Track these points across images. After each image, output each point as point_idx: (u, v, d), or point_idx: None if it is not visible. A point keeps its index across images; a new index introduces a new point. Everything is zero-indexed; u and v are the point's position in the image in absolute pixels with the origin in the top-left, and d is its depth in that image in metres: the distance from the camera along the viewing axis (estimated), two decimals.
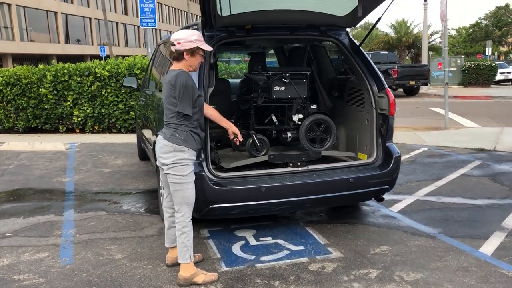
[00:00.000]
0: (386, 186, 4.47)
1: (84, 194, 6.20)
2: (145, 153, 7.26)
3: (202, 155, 4.03)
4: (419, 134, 10.43)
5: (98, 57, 34.24)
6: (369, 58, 4.61)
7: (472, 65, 26.79)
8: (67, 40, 44.25)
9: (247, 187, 4.02)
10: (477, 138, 9.72)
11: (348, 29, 4.69)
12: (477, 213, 5.12)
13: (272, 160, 4.37)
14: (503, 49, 71.79)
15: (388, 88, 4.52)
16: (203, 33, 3.94)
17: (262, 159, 4.42)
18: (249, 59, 6.08)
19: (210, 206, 3.99)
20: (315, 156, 4.51)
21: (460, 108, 15.53)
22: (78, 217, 5.21)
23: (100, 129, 11.63)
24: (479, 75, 26.80)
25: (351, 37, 4.70)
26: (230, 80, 7.07)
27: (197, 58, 3.49)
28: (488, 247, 4.17)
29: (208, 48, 3.52)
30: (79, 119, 11.40)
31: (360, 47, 4.62)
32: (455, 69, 26.58)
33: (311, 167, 4.34)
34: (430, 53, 38.48)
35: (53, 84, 11.37)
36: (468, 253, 4.05)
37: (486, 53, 38.30)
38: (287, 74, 4.49)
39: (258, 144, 4.43)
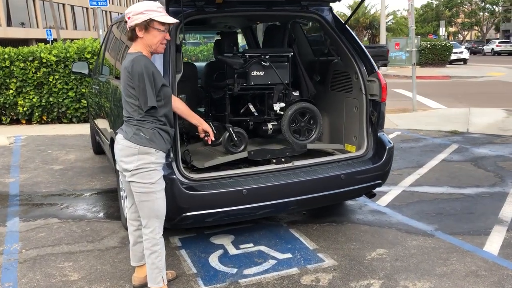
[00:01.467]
0: (379, 181, 4.01)
1: (31, 197, 5.42)
2: (100, 146, 6.51)
3: (172, 154, 3.40)
4: (389, 117, 10.12)
5: (44, 41, 32.25)
6: (357, 38, 4.07)
7: (429, 45, 27.04)
8: (9, 23, 41.51)
9: (226, 191, 3.44)
10: (448, 120, 9.51)
11: (331, 4, 4.13)
12: (469, 204, 4.76)
13: (253, 157, 3.80)
14: (452, 29, 73.68)
15: (379, 71, 4.01)
16: (167, 10, 3.28)
17: (241, 155, 3.83)
18: (209, 41, 5.40)
19: (183, 215, 3.39)
20: (301, 150, 3.97)
21: (422, 89, 15.42)
22: (24, 227, 4.46)
23: (49, 120, 10.67)
24: (435, 55, 27.10)
25: (335, 13, 4.15)
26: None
27: (154, 35, 2.82)
28: (493, 245, 3.79)
29: (168, 19, 2.83)
30: (25, 109, 10.38)
31: (346, 25, 4.08)
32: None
33: (296, 163, 3.80)
34: (387, 33, 38.72)
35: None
36: (473, 254, 3.65)
37: (440, 33, 38.94)
38: (267, 57, 3.89)
39: (236, 138, 3.83)
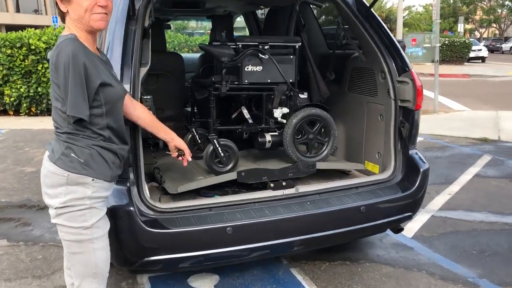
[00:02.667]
0: (409, 214, 3.07)
1: None
2: None
3: (131, 175, 2.49)
4: None
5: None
6: (385, 26, 3.11)
7: (447, 42, 25.79)
8: (17, 9, 40.81)
9: (203, 228, 2.53)
10: (474, 125, 8.49)
11: None
12: None
13: (244, 179, 2.88)
14: (468, 26, 71.95)
15: (413, 70, 3.06)
16: None
17: (228, 177, 2.91)
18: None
19: (145, 259, 2.48)
20: (308, 170, 3.04)
21: (441, 88, 14.32)
22: None
23: (38, 111, 9.87)
24: (453, 52, 25.87)
25: None
26: (187, 56, 5.48)
27: (78, 2, 1.92)
28: None
29: None
30: (12, 99, 9.56)
31: (372, 9, 3.12)
32: (429, 45, 25.49)
33: (301, 188, 2.87)
34: (403, 29, 37.41)
35: None
36: None
37: (458, 29, 37.54)
38: (266, 47, 2.95)
39: (222, 153, 2.90)
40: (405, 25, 40.39)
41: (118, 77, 2.43)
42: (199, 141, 3.17)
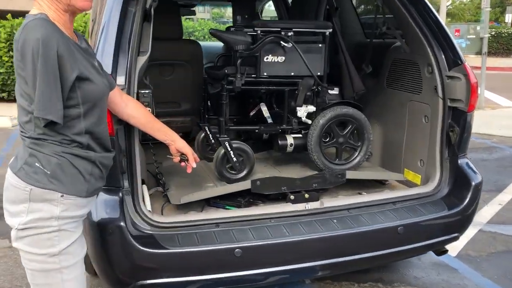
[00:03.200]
0: (455, 234, 2.58)
1: None
2: None
3: (125, 183, 2.12)
4: None
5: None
6: (435, 11, 2.60)
7: (493, 33, 24.40)
8: None
9: (206, 250, 2.12)
10: None
11: None
12: None
13: (259, 189, 2.46)
14: None
15: (467, 64, 2.55)
16: None
17: (240, 186, 2.48)
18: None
19: (139, 283, 2.10)
20: (336, 180, 2.59)
21: (487, 82, 13.43)
22: None
23: None
24: (500, 44, 24.48)
25: None
26: (212, 44, 5.08)
27: None
28: None
29: None
30: None
31: None
32: (474, 36, 24.25)
33: (327, 202, 2.42)
34: (446, 19, 35.94)
35: (8, 43, 9.29)
36: None
37: (506, 20, 35.68)
38: (290, 33, 2.49)
39: (235, 158, 2.47)
40: (448, 15, 38.73)
41: (109, 67, 2.05)
42: (213, 140, 2.76)
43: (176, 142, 2.12)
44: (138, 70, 2.17)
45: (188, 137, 3.38)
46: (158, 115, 3.88)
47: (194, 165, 2.18)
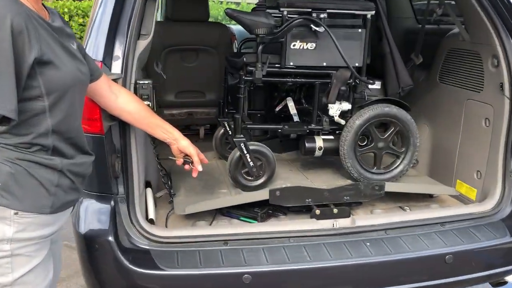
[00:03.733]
0: None
1: None
2: None
3: (120, 189, 1.81)
4: None
5: None
6: None
7: None
8: None
9: (210, 273, 1.77)
10: None
11: None
12: None
13: (278, 201, 2.07)
14: None
15: None
16: None
17: (256, 196, 2.11)
18: None
19: None
20: (372, 193, 2.17)
21: None
22: None
23: None
24: None
25: None
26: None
27: None
28: None
29: None
30: None
31: None
32: None
33: (360, 220, 2.02)
34: None
35: None
36: None
37: None
38: (323, 15, 2.07)
39: (252, 162, 2.09)
40: None
41: (101, 52, 1.73)
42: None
43: (178, 141, 1.80)
44: (137, 57, 1.82)
45: (214, 130, 3.05)
46: (179, 106, 3.63)
47: (200, 169, 1.84)
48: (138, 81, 1.82)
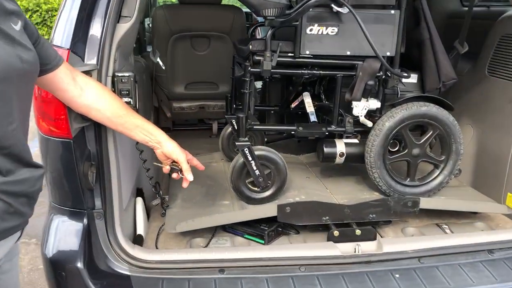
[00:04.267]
0: None
1: None
2: None
3: (97, 203, 1.50)
4: None
5: None
6: None
7: None
8: None
9: None
10: None
11: None
12: None
13: (289, 219, 1.73)
14: None
15: None
16: None
17: (261, 212, 1.76)
18: None
19: None
20: (404, 210, 1.80)
21: None
22: None
23: None
24: None
25: None
26: None
27: None
28: None
29: None
30: None
31: None
32: None
33: (387, 244, 1.66)
34: None
35: None
36: None
37: None
38: None
39: (258, 171, 1.73)
40: None
41: (69, 37, 1.41)
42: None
43: (162, 145, 1.47)
44: (116, 43, 1.50)
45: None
46: (190, 98, 3.31)
47: (190, 178, 1.51)
48: (116, 74, 1.49)
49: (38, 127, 1.47)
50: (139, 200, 1.89)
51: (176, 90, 3.12)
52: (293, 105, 2.17)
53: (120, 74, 1.49)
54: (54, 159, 1.48)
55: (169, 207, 1.89)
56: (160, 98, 3.17)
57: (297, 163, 2.33)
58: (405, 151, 1.83)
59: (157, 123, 3.33)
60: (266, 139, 2.34)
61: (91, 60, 1.45)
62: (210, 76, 3.10)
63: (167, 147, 1.49)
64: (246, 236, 1.82)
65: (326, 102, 2.00)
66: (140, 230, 1.81)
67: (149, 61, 3.05)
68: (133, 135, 1.45)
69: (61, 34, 1.42)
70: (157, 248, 1.75)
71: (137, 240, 1.78)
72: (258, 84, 2.98)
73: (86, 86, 1.34)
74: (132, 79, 1.51)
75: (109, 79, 1.49)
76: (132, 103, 1.53)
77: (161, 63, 2.52)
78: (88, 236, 1.52)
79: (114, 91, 1.50)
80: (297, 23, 1.69)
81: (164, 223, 1.85)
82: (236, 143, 1.74)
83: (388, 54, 1.77)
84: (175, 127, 3.39)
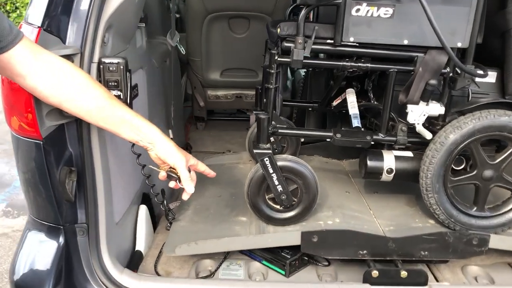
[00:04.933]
0: None
1: None
2: None
3: (80, 215, 1.23)
4: None
5: None
6: None
7: None
8: None
9: None
10: None
11: None
12: None
13: (315, 250, 1.38)
14: None
15: None
16: None
17: (281, 240, 1.41)
18: None
19: None
20: (467, 249, 1.38)
21: None
22: None
23: None
24: None
25: None
26: None
27: None
28: None
29: None
30: None
31: None
32: None
33: None
34: None
35: None
36: None
37: None
38: None
39: (280, 187, 1.39)
40: None
41: (41, 12, 1.12)
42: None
43: (156, 146, 1.18)
44: (105, 21, 1.19)
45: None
46: (226, 86, 2.99)
47: (190, 190, 1.21)
48: (103, 60, 1.19)
49: (8, 123, 1.20)
50: (143, 209, 1.60)
51: (210, 76, 2.81)
52: (334, 103, 1.79)
53: (108, 61, 1.19)
54: (25, 163, 1.21)
55: (176, 220, 1.59)
56: (194, 85, 2.89)
57: (337, 171, 1.96)
58: (474, 172, 1.41)
59: (191, 112, 3.06)
60: (302, 140, 1.98)
61: (73, 42, 1.16)
62: (249, 63, 2.77)
63: (161, 148, 1.18)
64: (264, 262, 1.49)
65: (375, 103, 1.61)
66: (140, 246, 1.53)
67: (180, 42, 2.76)
68: (119, 132, 1.16)
69: (34, 9, 1.14)
70: (156, 270, 1.46)
71: (135, 257, 1.50)
72: (302, 72, 2.62)
73: (58, 69, 1.06)
74: (122, 67, 1.20)
75: (94, 67, 1.19)
76: (122, 97, 1.23)
77: (180, 47, 2.22)
78: (66, 257, 1.25)
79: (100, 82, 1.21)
80: (340, 1, 1.30)
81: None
82: (254, 151, 1.40)
83: (459, 45, 1.34)
84: (210, 117, 3.10)
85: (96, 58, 1.19)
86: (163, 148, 1.18)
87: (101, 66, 1.19)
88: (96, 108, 1.10)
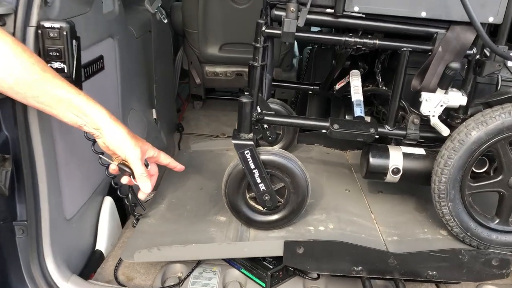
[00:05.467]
0: None
1: None
2: None
3: (19, 211, 1.01)
4: None
5: None
6: None
7: None
8: None
9: None
10: None
11: None
12: None
13: (299, 263, 1.15)
14: None
15: None
16: None
17: (259, 250, 1.19)
18: None
19: None
20: (487, 272, 1.15)
21: None
22: None
23: None
24: None
25: None
26: None
27: None
28: None
29: None
30: None
31: None
32: None
33: None
34: None
35: None
36: None
37: None
38: None
39: (263, 186, 1.16)
40: None
41: None
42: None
43: (103, 133, 0.95)
44: None
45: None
46: (225, 62, 2.74)
47: (147, 190, 0.99)
48: (42, 23, 0.96)
49: None
50: (107, 201, 1.39)
51: (208, 51, 2.57)
52: (337, 86, 1.54)
53: (46, 25, 0.96)
54: None
55: (144, 216, 1.37)
56: (190, 60, 2.64)
57: (338, 163, 1.72)
58: (499, 178, 1.16)
59: (187, 89, 2.82)
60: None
61: None
62: (251, 37, 2.50)
63: (109, 137, 0.96)
64: (243, 271, 1.28)
65: (384, 88, 1.36)
66: (101, 245, 1.32)
67: (175, 12, 2.51)
68: (57, 114, 0.93)
69: None
70: (115, 275, 1.26)
71: (94, 258, 1.30)
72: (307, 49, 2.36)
73: None
74: (65, 32, 0.97)
75: (32, 31, 0.96)
76: (66, 71, 1.00)
77: (159, 15, 1.96)
78: (0, 260, 1.05)
79: (39, 53, 0.98)
80: None
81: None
82: (233, 141, 1.16)
83: (490, 20, 1.08)
84: (208, 96, 2.87)
85: (34, 21, 0.96)
86: (112, 137, 0.96)
87: (40, 31, 0.96)
88: (23, 82, 0.88)
